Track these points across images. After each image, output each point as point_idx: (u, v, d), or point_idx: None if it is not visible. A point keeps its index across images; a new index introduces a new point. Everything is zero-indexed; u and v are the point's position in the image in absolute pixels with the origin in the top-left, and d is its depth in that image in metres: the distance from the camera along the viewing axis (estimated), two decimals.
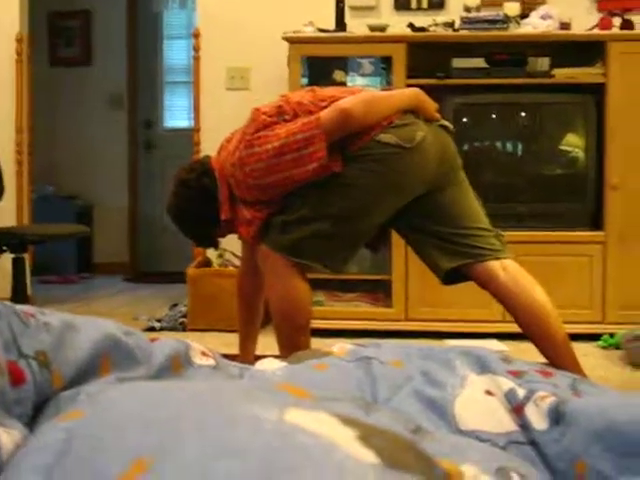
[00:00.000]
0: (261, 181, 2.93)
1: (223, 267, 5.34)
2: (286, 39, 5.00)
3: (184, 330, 5.13)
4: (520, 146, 5.17)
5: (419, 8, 5.48)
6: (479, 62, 4.95)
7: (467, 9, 5.13)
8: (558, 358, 2.93)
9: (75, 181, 7.90)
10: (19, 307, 1.42)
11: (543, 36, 4.91)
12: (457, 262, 3.04)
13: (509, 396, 1.64)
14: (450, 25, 5.08)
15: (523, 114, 5.12)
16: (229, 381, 1.71)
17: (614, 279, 4.80)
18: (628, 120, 4.78)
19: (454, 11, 5.32)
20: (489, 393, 1.67)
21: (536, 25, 4.92)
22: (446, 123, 3.15)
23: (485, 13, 5.07)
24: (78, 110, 7.96)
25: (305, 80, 5.05)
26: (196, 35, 5.70)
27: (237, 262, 5.05)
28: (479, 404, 1.65)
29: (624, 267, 4.79)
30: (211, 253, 5.42)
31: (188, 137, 6.05)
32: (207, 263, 5.45)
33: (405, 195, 3.01)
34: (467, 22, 5.01)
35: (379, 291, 5.07)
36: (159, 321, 5.29)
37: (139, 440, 0.98)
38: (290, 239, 2.96)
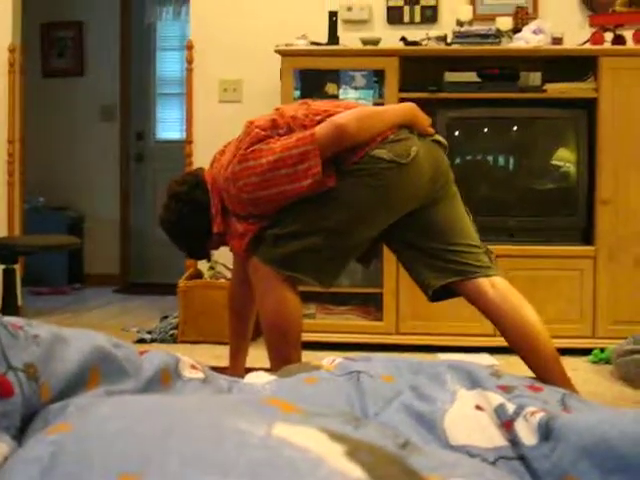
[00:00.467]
0: (254, 195, 2.92)
1: (214, 279, 5.33)
2: (279, 52, 5.01)
3: (175, 342, 5.12)
4: (512, 160, 5.18)
5: (412, 22, 5.49)
6: (471, 76, 4.96)
7: (460, 23, 5.14)
8: (547, 373, 2.92)
9: (66, 192, 7.87)
10: (7, 319, 1.41)
11: (535, 51, 4.92)
12: (446, 280, 3.03)
13: (499, 411, 1.63)
14: (443, 39, 5.08)
15: (515, 128, 5.13)
16: (217, 395, 1.70)
17: (605, 293, 4.80)
18: (619, 135, 4.79)
19: (447, 25, 5.32)
20: (479, 408, 1.67)
21: (528, 40, 4.93)
22: (439, 138, 3.14)
23: (477, 27, 5.08)
24: (70, 121, 7.94)
25: (297, 93, 5.05)
26: (189, 47, 5.71)
27: (228, 274, 5.04)
28: (469, 419, 1.65)
29: (615, 281, 4.79)
30: (202, 265, 5.42)
31: (180, 149, 6.05)
32: (198, 275, 5.44)
33: (398, 210, 3.01)
34: (459, 36, 5.02)
35: (370, 304, 5.07)
36: (150, 333, 5.28)
37: (125, 455, 0.98)
38: (282, 252, 2.95)
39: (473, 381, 1.77)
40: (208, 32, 5.65)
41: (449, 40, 5.08)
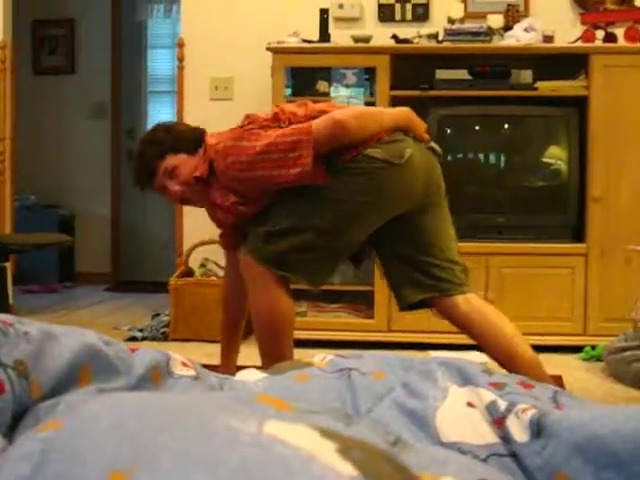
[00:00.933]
0: (241, 175, 2.92)
1: (205, 277, 5.33)
2: (270, 49, 5.00)
3: (166, 340, 5.12)
4: (503, 158, 5.18)
5: (403, 20, 5.49)
6: (462, 74, 4.96)
7: (451, 21, 5.14)
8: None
9: (57, 190, 7.85)
10: None
11: (526, 49, 4.92)
12: (424, 294, 3.08)
13: (490, 408, 1.63)
14: (434, 37, 5.09)
15: (506, 126, 5.14)
16: (208, 393, 1.70)
17: (596, 291, 4.81)
18: (610, 133, 4.80)
19: (438, 23, 5.32)
20: (470, 405, 1.67)
21: (519, 37, 4.93)
22: (435, 146, 3.15)
23: (469, 25, 5.08)
24: (61, 119, 7.92)
25: (289, 90, 5.05)
26: (180, 45, 5.70)
27: (220, 272, 5.04)
28: (460, 416, 1.65)
29: (606, 279, 4.80)
30: (194, 263, 5.41)
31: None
32: (189, 273, 5.43)
33: (390, 210, 3.01)
34: (451, 34, 5.02)
35: (362, 302, 5.07)
36: (141, 331, 5.27)
37: (116, 452, 0.97)
38: (274, 250, 2.95)
39: (464, 378, 1.77)
40: (199, 30, 5.64)
41: (440, 38, 5.08)
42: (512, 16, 5.16)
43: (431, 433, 1.62)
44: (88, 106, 7.96)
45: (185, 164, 3.12)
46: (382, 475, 0.96)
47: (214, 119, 5.32)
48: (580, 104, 4.86)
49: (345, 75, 5.12)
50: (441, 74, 4.95)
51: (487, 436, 1.58)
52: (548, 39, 5.01)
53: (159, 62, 8.15)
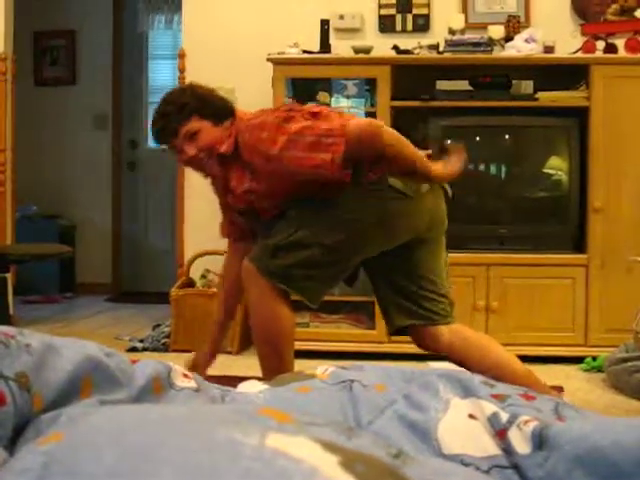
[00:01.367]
0: (270, 151, 2.90)
1: (206, 288, 5.33)
2: (271, 60, 5.01)
3: (167, 351, 5.12)
4: (503, 168, 5.19)
5: (404, 30, 5.49)
6: (463, 85, 4.97)
7: (452, 32, 5.15)
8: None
9: (58, 201, 7.86)
10: None
11: (527, 59, 4.93)
12: (411, 321, 3.14)
13: (492, 420, 1.63)
14: (435, 48, 5.09)
15: (507, 137, 5.15)
16: (210, 405, 1.70)
17: (597, 302, 4.80)
18: (611, 143, 4.81)
19: (439, 34, 5.33)
20: (472, 417, 1.67)
21: (520, 48, 4.94)
22: (447, 187, 3.22)
23: (469, 36, 5.09)
24: (62, 130, 7.93)
25: (289, 101, 5.05)
26: (181, 55, 5.71)
27: None
28: (462, 428, 1.64)
29: (607, 290, 4.80)
30: (194, 274, 5.41)
31: (172, 158, 6.03)
32: (190, 284, 5.43)
33: (395, 238, 3.07)
34: (451, 45, 5.03)
35: (362, 313, 5.07)
36: (142, 341, 5.27)
37: (118, 466, 0.97)
38: (280, 265, 2.96)
39: (466, 390, 1.76)
40: (200, 41, 5.65)
41: (441, 49, 5.09)
42: (513, 27, 5.17)
43: (433, 445, 1.61)
44: (89, 117, 7.97)
45: (208, 131, 3.10)
46: None
47: None
48: (581, 115, 4.87)
49: (346, 86, 5.13)
50: (442, 85, 4.96)
51: (489, 448, 1.57)
52: (549, 50, 5.02)
53: (160, 73, 8.15)
